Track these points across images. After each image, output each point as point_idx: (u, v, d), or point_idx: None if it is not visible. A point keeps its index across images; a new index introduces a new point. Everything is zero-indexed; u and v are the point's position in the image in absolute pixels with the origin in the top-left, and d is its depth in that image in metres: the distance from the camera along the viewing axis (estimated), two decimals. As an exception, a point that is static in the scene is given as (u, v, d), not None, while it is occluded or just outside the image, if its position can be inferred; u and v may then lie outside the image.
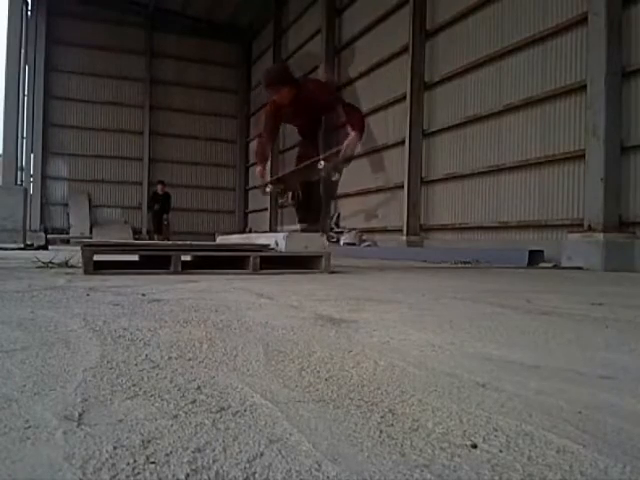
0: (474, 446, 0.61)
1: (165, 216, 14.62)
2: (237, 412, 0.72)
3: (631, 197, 5.67)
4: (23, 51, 11.89)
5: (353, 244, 9.92)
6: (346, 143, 4.55)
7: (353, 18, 11.56)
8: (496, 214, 7.65)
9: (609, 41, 5.59)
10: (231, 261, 3.64)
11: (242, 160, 18.76)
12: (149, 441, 0.60)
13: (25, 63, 14.48)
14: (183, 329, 1.35)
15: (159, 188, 14.67)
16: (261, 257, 3.58)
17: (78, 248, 3.47)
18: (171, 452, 0.57)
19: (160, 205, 14.45)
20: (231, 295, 2.20)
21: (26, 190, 10.05)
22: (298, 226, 5.18)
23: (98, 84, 16.96)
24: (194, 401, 0.76)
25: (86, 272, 3.12)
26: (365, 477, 0.53)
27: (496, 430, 0.67)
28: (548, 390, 0.86)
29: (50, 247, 9.06)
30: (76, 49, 16.63)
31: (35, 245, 8.77)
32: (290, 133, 14.99)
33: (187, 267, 3.49)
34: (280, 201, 4.73)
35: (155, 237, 14.11)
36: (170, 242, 4.18)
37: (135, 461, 0.55)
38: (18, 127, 10.55)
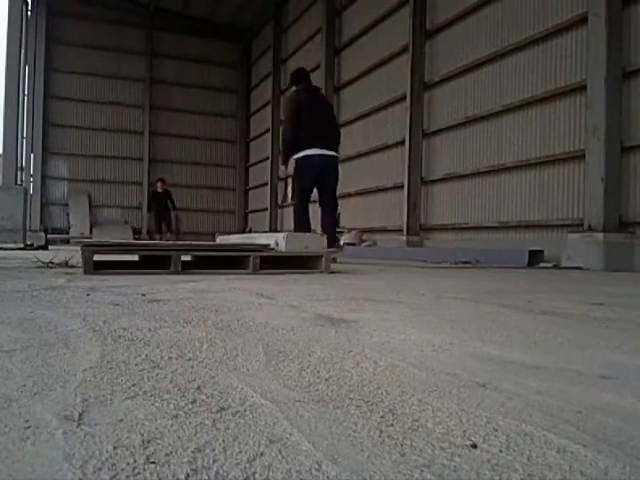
0: (474, 446, 0.61)
1: (174, 213, 14.43)
2: (237, 412, 0.72)
3: (631, 197, 5.67)
4: (23, 51, 11.90)
5: (353, 244, 9.91)
6: None
7: (353, 18, 11.56)
8: (496, 214, 7.65)
9: (609, 41, 5.59)
10: (231, 261, 3.64)
11: (242, 160, 18.76)
12: (149, 441, 0.60)
13: (25, 63, 14.48)
14: (183, 329, 1.35)
15: (159, 186, 14.27)
16: (261, 257, 3.58)
17: (78, 248, 3.46)
18: (171, 452, 0.57)
19: (162, 204, 14.14)
20: (231, 295, 2.20)
21: (26, 190, 10.04)
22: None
23: (98, 84, 16.95)
24: (194, 401, 0.76)
25: (86, 272, 3.12)
26: (365, 477, 0.53)
27: (496, 430, 0.67)
28: (548, 390, 0.86)
29: (50, 247, 9.06)
30: (76, 49, 16.62)
31: (35, 245, 8.76)
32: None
33: (187, 267, 3.49)
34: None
35: (156, 237, 13.97)
36: (170, 242, 4.18)
37: (135, 461, 0.55)
38: (18, 127, 10.55)
